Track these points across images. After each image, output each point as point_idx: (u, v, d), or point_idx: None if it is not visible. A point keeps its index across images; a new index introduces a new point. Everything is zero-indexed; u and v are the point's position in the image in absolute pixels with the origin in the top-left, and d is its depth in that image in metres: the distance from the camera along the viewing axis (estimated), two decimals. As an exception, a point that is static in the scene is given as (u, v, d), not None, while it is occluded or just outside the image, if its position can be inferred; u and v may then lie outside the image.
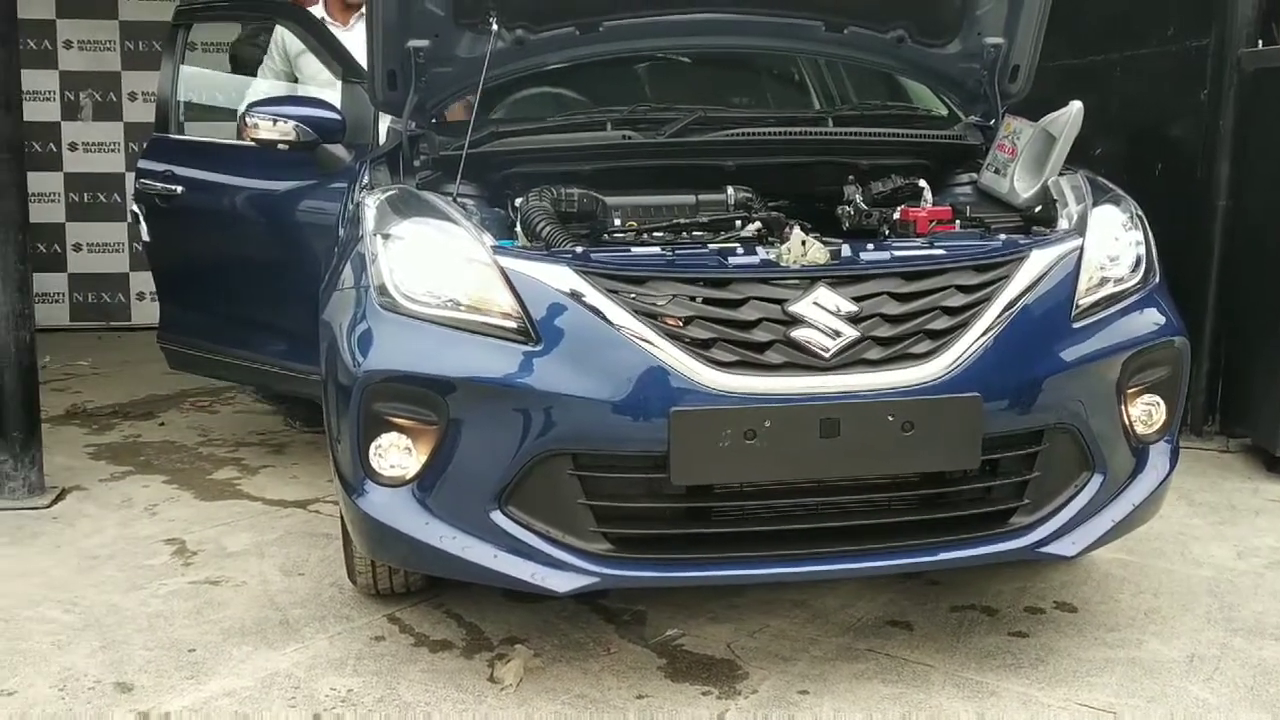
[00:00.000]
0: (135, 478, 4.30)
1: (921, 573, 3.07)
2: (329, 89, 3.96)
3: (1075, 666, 2.74)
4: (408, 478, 2.55)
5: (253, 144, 3.76)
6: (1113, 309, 2.71)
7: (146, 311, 7.12)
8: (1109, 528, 2.68)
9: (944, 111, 3.61)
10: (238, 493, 4.11)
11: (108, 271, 7.38)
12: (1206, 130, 4.50)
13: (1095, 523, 2.66)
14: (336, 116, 3.69)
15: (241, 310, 4.20)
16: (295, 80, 4.29)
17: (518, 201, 2.98)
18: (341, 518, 2.90)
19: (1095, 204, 2.86)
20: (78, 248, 7.36)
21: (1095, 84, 4.89)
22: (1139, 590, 3.17)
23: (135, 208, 4.36)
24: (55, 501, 3.97)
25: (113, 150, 7.29)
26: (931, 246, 2.66)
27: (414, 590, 3.06)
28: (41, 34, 7.10)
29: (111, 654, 2.82)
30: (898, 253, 2.61)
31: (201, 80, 4.86)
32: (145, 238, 4.37)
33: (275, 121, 3.62)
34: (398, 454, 2.55)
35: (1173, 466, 2.82)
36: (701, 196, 3.13)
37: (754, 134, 3.20)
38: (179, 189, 4.18)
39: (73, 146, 7.27)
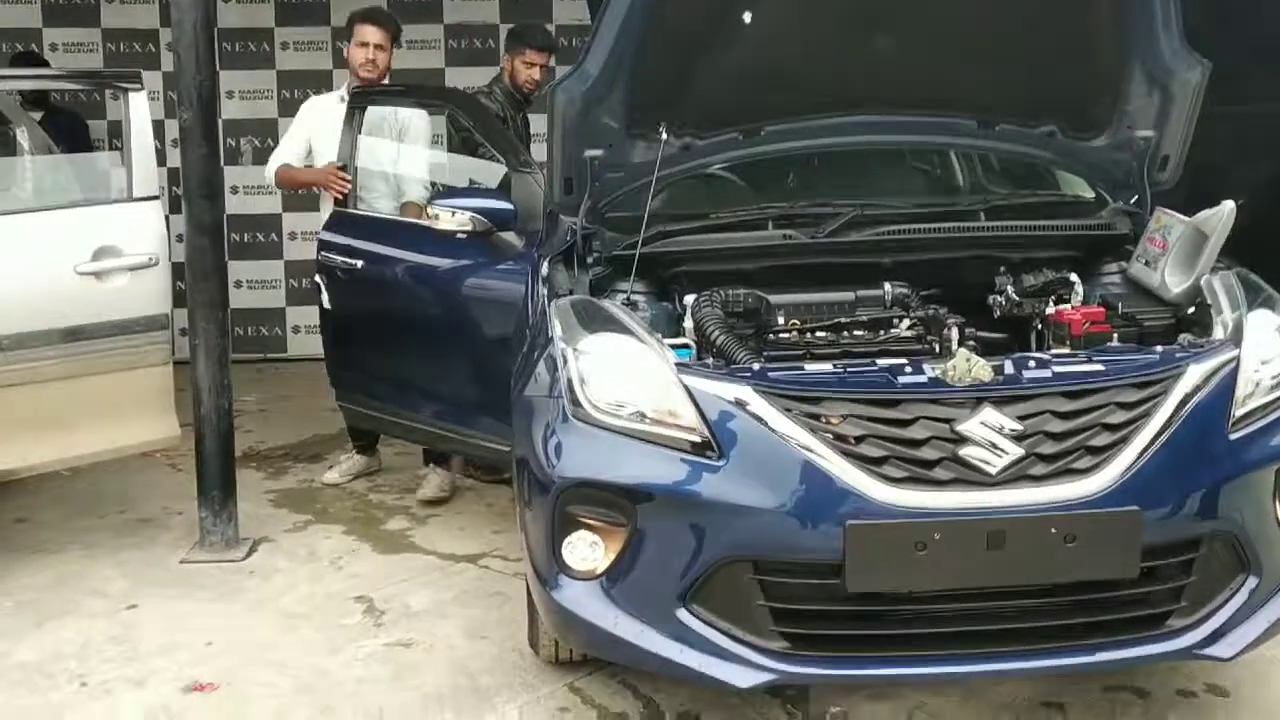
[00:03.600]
0: (316, 528, 4.64)
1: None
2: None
3: (1229, 757, 2.86)
4: (597, 572, 2.78)
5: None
6: (1270, 417, 2.80)
7: (301, 344, 7.55)
8: (1265, 628, 2.79)
9: (1091, 195, 3.72)
10: (412, 546, 4.42)
11: (266, 306, 7.83)
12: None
13: (1252, 623, 2.77)
14: (509, 207, 3.96)
15: (409, 375, 4.50)
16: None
17: (688, 299, 3.22)
18: (528, 593, 3.16)
19: (1249, 309, 2.95)
20: (238, 284, 7.80)
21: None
22: (1291, 675, 3.26)
23: (318, 278, 4.69)
24: (249, 554, 4.32)
25: (271, 193, 7.70)
26: (1090, 362, 2.79)
27: (590, 659, 3.31)
28: (206, 85, 7.55)
29: (327, 721, 3.13)
30: (1059, 369, 2.75)
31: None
32: (326, 305, 4.69)
33: (454, 213, 3.92)
34: (587, 549, 2.79)
35: (1328, 563, 2.91)
36: (860, 293, 3.33)
37: (908, 230, 3.37)
38: (359, 263, 4.50)
39: (234, 190, 7.71)
